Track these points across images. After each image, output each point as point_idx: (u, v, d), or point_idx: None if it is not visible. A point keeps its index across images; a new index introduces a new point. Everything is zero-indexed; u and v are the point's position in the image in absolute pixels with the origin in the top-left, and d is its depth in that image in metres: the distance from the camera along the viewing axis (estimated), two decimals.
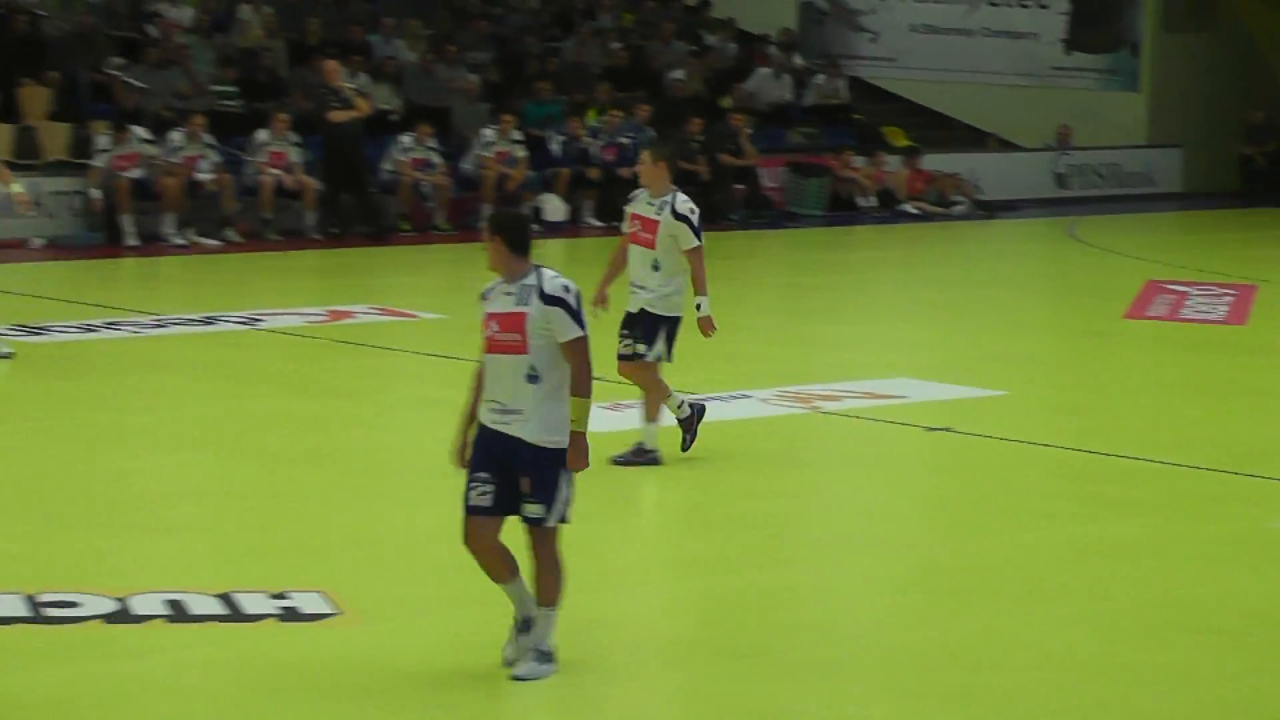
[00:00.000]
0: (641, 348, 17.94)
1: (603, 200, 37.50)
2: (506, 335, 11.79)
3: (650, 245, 17.78)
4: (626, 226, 18.16)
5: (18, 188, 23.31)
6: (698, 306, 17.86)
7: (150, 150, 32.95)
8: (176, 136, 33.49)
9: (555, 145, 37.27)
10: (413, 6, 41.45)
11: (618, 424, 19.54)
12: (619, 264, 18.42)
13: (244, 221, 33.68)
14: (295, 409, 21.09)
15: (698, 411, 18.18)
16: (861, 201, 41.39)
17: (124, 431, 19.73)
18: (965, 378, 22.75)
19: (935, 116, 47.45)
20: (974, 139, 46.71)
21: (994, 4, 46.42)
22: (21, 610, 13.36)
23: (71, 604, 13.49)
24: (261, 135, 34.27)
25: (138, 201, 32.63)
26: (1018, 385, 22.92)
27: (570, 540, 16.02)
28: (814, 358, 24.84)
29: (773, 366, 23.61)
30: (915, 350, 26.02)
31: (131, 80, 35.70)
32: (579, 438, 11.88)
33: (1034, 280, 35.92)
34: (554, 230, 36.04)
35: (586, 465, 12.00)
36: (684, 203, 17.74)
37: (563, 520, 12.05)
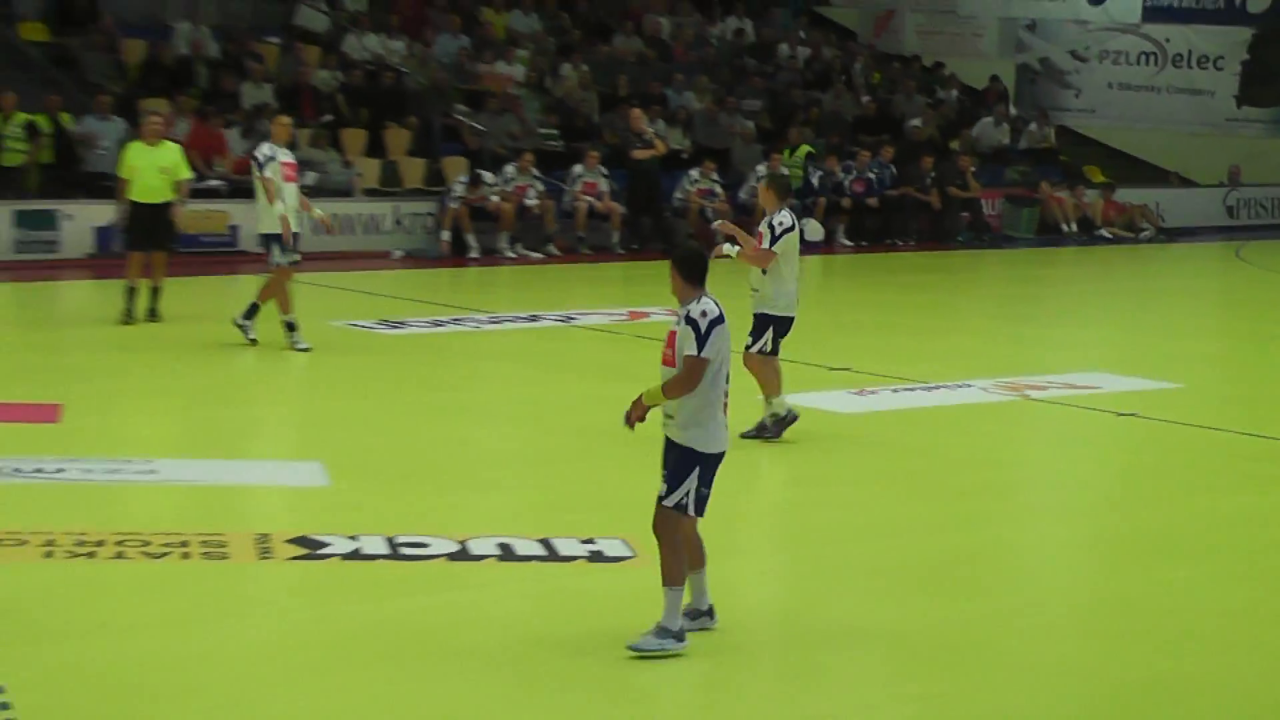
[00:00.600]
0: (749, 339, 17.60)
1: (852, 224, 37.46)
2: (669, 351, 11.61)
3: None
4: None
5: (319, 212, 23.48)
6: (733, 244, 17.62)
7: (492, 191, 33.23)
8: (510, 170, 33.79)
9: (815, 179, 37.25)
10: (701, 65, 41.55)
11: (862, 406, 19.51)
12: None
13: (562, 238, 33.90)
14: (602, 391, 21.15)
15: (790, 418, 17.85)
16: (1065, 227, 41.04)
17: (464, 407, 19.94)
18: (1149, 372, 22.51)
19: (1127, 158, 46.92)
20: (1158, 176, 46.15)
21: (1177, 66, 45.95)
22: (383, 550, 13.56)
23: (422, 545, 13.67)
24: (577, 169, 34.50)
25: (477, 222, 32.96)
26: (1193, 379, 22.67)
27: (811, 501, 16.07)
28: (1024, 354, 24.64)
29: (990, 361, 23.46)
30: (1107, 349, 25.78)
31: (475, 124, 36.05)
32: (639, 401, 11.61)
33: (1207, 293, 35.50)
34: (813, 248, 36.03)
35: (629, 425, 11.79)
36: (777, 216, 17.42)
37: (680, 508, 11.53)
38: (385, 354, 22.80)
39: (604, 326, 25.45)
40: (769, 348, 17.68)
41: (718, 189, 35.66)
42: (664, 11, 43.42)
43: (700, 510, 11.65)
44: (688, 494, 11.57)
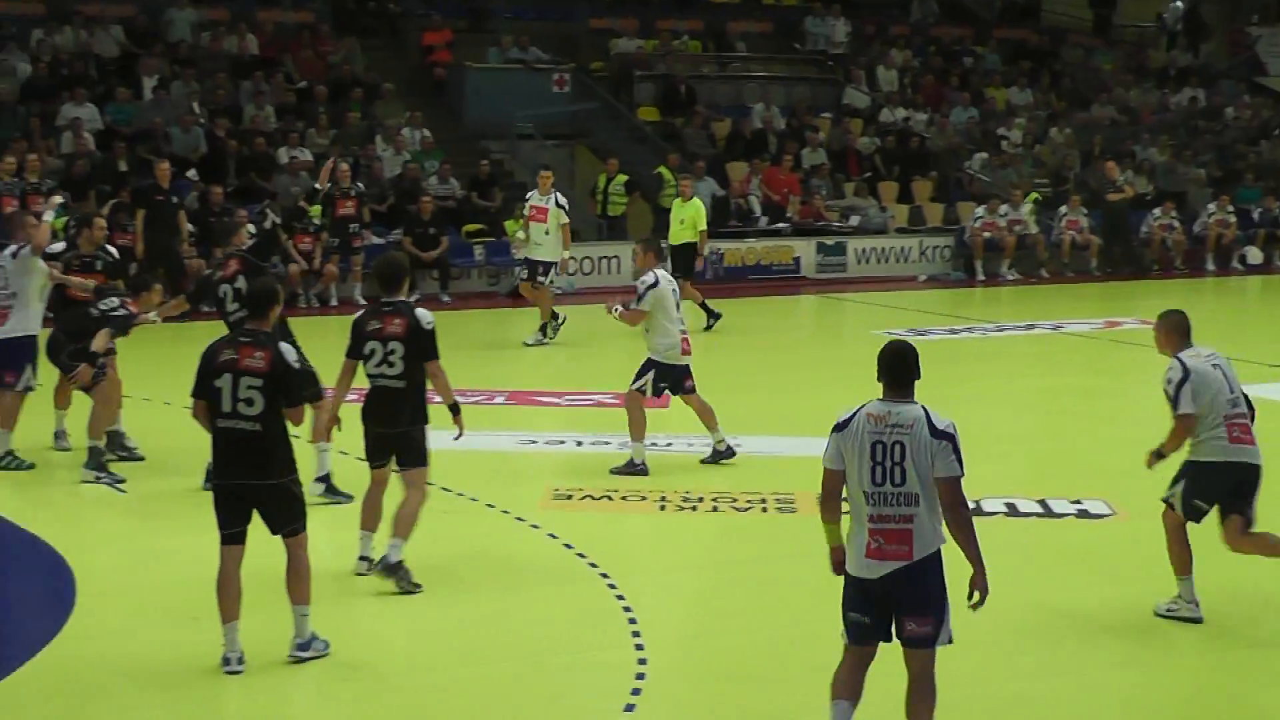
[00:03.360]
0: (632, 380, 14.90)
1: None
2: None
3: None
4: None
5: (567, 253, 23.36)
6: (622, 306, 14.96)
7: (1002, 219, 32.87)
8: (1005, 207, 33.29)
9: (1255, 214, 35.87)
10: (1162, 126, 40.34)
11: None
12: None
13: (1052, 264, 33.30)
14: (1083, 383, 20.87)
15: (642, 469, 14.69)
16: None
17: (976, 396, 19.64)
18: None
19: None
20: None
21: None
22: None
23: None
24: (1063, 209, 33.84)
25: (986, 252, 32.62)
26: None
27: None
28: None
29: None
30: None
31: (981, 175, 35.71)
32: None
33: None
34: (1254, 270, 34.84)
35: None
36: (646, 275, 14.77)
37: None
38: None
39: (1085, 333, 24.96)
40: (648, 390, 14.83)
41: (1176, 224, 34.57)
42: (1133, 85, 42.31)
43: (848, 637, 8.18)
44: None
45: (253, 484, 9.61)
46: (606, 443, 15.92)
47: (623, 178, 30.76)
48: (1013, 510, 13.47)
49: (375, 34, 35.53)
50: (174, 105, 29.63)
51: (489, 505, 13.56)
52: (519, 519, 13.07)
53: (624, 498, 13.82)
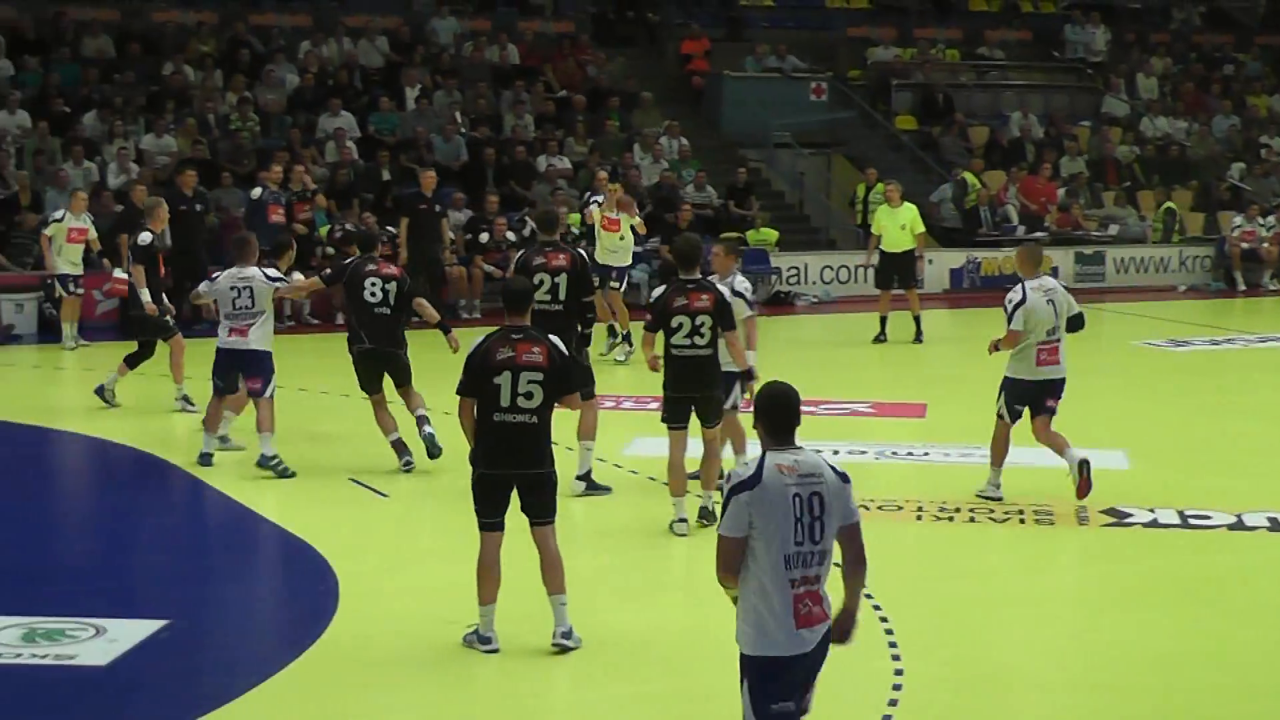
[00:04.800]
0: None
1: None
2: None
3: None
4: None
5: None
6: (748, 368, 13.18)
7: (1264, 226, 32.02)
8: (1270, 219, 32.38)
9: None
10: None
11: None
12: None
13: None
14: None
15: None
16: None
17: (1238, 408, 19.30)
18: None
19: None
20: None
21: None
22: (1175, 520, 13.37)
23: (1206, 516, 13.38)
24: None
25: (1246, 262, 31.84)
26: None
27: None
28: None
29: None
30: None
31: (1243, 185, 34.88)
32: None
33: None
34: None
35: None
36: (740, 282, 13.49)
37: None
38: (1173, 367, 22.33)
39: None
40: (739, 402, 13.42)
41: None
42: None
43: None
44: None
45: (528, 473, 9.96)
46: (863, 452, 15.89)
47: (882, 187, 30.64)
48: (1275, 525, 13.19)
49: (634, 43, 35.88)
50: (436, 114, 30.19)
51: None
52: None
53: (880, 507, 13.78)
